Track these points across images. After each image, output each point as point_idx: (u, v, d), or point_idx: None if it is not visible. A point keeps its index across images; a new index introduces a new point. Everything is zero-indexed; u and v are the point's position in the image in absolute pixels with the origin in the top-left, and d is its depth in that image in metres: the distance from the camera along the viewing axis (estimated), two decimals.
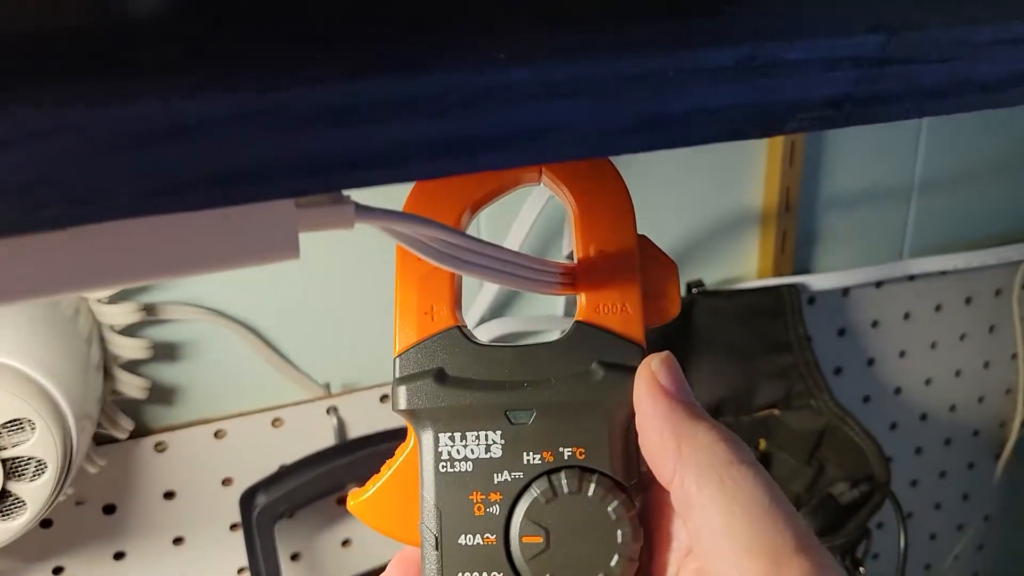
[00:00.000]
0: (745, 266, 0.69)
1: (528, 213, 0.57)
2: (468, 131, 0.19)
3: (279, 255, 0.20)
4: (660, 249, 0.27)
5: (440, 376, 0.25)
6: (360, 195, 0.23)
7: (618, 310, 0.26)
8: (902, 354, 0.76)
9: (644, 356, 0.25)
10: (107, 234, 0.18)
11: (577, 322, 0.26)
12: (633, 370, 0.24)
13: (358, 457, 0.56)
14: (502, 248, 0.29)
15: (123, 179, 0.16)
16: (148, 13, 0.15)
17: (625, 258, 0.26)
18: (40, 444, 0.38)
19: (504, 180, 0.28)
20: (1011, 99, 0.26)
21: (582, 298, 0.26)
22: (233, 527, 0.58)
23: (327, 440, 0.57)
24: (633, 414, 0.24)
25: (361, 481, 0.60)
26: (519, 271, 0.30)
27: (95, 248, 0.18)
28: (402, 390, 0.25)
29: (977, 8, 0.24)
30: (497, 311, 0.62)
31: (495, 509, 0.24)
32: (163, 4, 0.15)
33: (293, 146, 0.17)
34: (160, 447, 0.54)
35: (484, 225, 0.60)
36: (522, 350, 0.25)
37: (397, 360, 0.26)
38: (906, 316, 0.75)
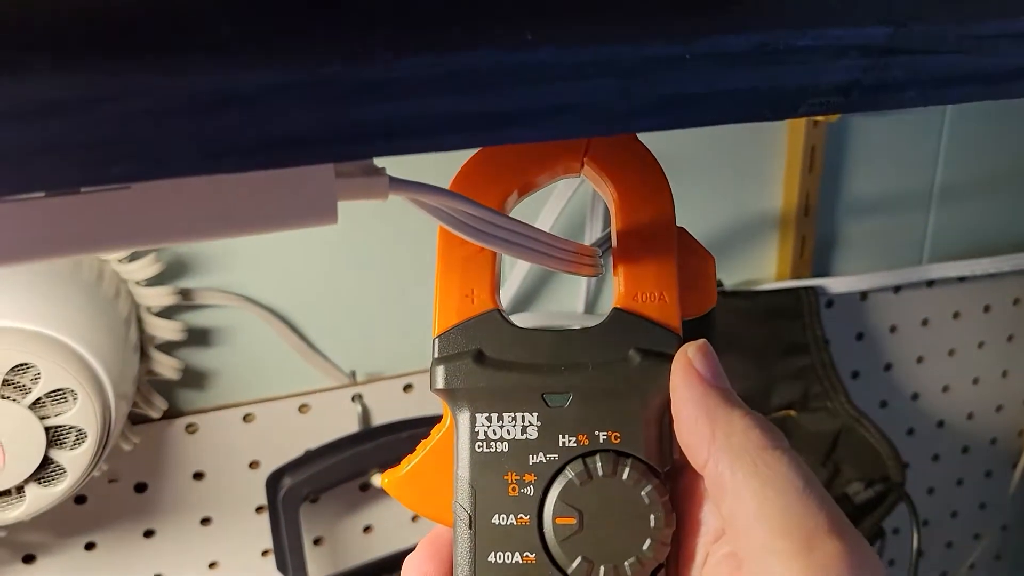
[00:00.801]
0: (764, 269, 0.70)
1: (557, 201, 0.58)
2: (498, 106, 0.20)
3: (319, 219, 0.21)
4: (698, 241, 0.28)
5: (479, 357, 0.26)
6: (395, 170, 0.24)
7: (656, 299, 0.26)
8: (919, 360, 0.76)
9: (681, 344, 0.25)
10: (165, 193, 0.20)
11: (615, 309, 0.26)
12: (670, 358, 0.25)
13: (381, 444, 0.58)
14: (531, 226, 0.30)
15: (183, 141, 0.17)
16: None
17: (664, 248, 0.27)
18: (81, 414, 0.40)
19: (546, 169, 0.28)
20: (1015, 91, 0.27)
21: (620, 286, 0.26)
22: (259, 510, 0.59)
23: (351, 427, 0.59)
24: (668, 401, 0.25)
25: (384, 467, 0.61)
26: (547, 248, 0.31)
27: (154, 205, 0.20)
28: (440, 369, 0.26)
29: (983, 3, 0.25)
30: (519, 306, 0.63)
31: (529, 490, 0.25)
32: None
33: (336, 116, 0.18)
34: (191, 429, 0.56)
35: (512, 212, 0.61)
36: (560, 335, 0.26)
37: (436, 340, 0.27)
38: (924, 322, 0.75)
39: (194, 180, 0.20)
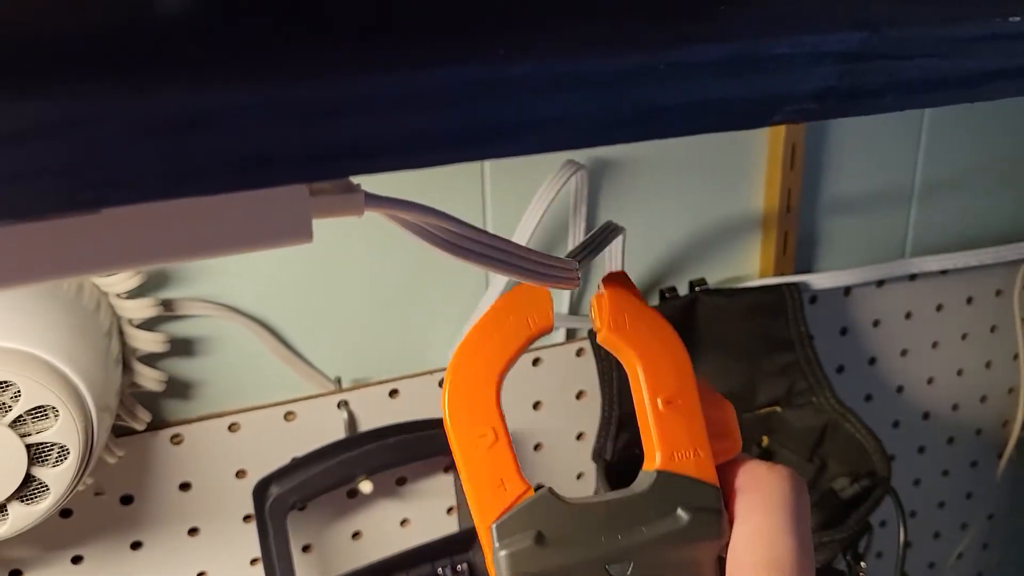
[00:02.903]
0: (748, 266, 0.70)
1: (538, 204, 0.58)
2: (472, 123, 0.20)
3: (294, 239, 0.21)
4: (714, 390, 0.30)
5: (540, 539, 0.27)
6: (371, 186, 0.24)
7: (691, 456, 0.28)
8: (904, 353, 0.77)
9: (720, 496, 0.27)
10: (135, 217, 0.19)
11: (658, 471, 0.28)
12: (714, 511, 0.27)
13: (368, 450, 0.58)
14: (509, 241, 0.30)
15: (152, 164, 0.17)
16: (175, 12, 0.17)
17: (691, 407, 0.28)
18: (63, 431, 0.40)
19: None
20: (992, 94, 0.27)
21: (657, 448, 0.28)
22: (247, 519, 0.59)
23: (338, 434, 0.59)
24: (719, 546, 0.27)
25: (372, 473, 0.61)
26: (525, 263, 0.31)
27: (124, 229, 0.19)
28: (504, 557, 0.27)
29: (958, 6, 0.25)
30: None
31: None
32: (188, 4, 0.17)
33: (307, 135, 0.18)
34: (176, 439, 0.56)
35: (491, 217, 0.61)
36: (612, 503, 0.27)
37: (495, 527, 0.27)
38: (908, 315, 0.76)
39: (164, 203, 0.19)
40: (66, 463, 0.40)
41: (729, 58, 0.22)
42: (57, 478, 0.40)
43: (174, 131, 0.17)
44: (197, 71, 0.17)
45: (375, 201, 0.24)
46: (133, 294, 0.50)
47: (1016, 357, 0.83)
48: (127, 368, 0.51)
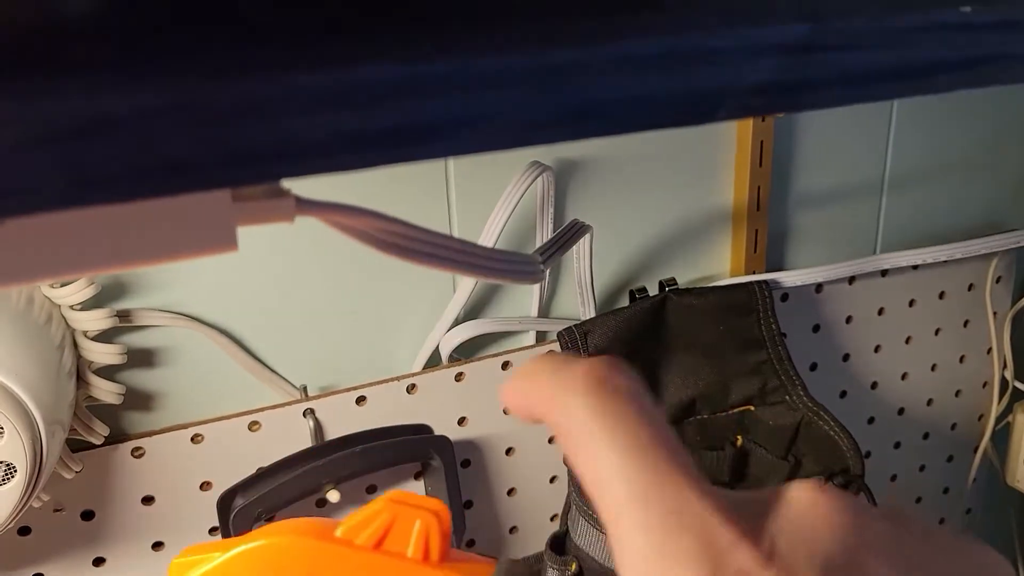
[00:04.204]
0: (719, 265, 0.70)
1: (500, 212, 0.57)
2: (394, 123, 0.19)
3: (216, 247, 0.20)
4: None
5: None
6: (304, 189, 0.23)
7: None
8: (877, 349, 0.77)
9: None
10: (42, 226, 0.19)
11: None
12: None
13: (335, 459, 0.57)
14: (455, 238, 0.29)
15: (51, 172, 0.16)
16: (77, 12, 0.16)
17: None
18: (8, 449, 0.39)
19: None
20: (938, 86, 0.26)
21: None
22: (212, 531, 0.58)
23: (304, 442, 0.58)
24: None
25: (339, 482, 0.60)
26: (476, 260, 0.30)
27: (29, 240, 0.18)
28: None
29: None
30: (472, 313, 0.62)
31: None
32: (92, 3, 0.16)
33: (220, 139, 0.17)
34: (137, 452, 0.55)
35: (457, 221, 0.60)
36: None
37: None
38: (880, 311, 0.75)
39: (75, 212, 0.18)
40: (13, 481, 0.39)
41: (666, 52, 0.21)
42: (4, 497, 0.39)
43: (74, 136, 0.16)
44: (100, 73, 0.16)
45: (307, 206, 0.23)
46: (87, 305, 0.49)
47: (989, 351, 0.83)
48: (82, 381, 0.49)
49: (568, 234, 0.50)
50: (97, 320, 0.49)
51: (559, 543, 0.55)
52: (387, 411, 0.59)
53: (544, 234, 0.61)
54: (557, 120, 0.21)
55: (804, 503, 0.19)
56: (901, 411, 0.80)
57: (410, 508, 0.27)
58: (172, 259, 0.20)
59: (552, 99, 0.21)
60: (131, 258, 0.20)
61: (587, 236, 0.59)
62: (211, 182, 0.18)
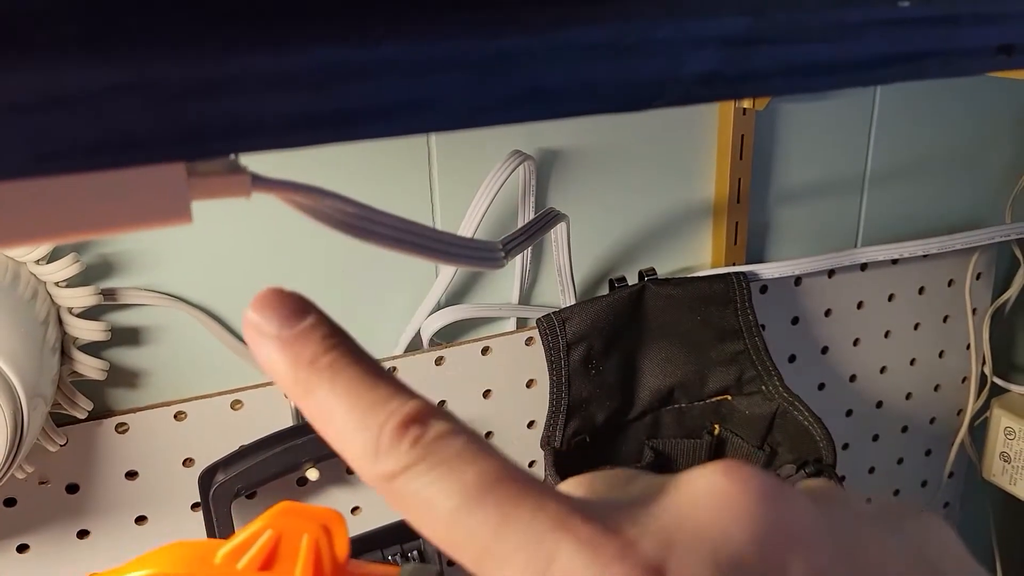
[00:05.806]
0: (699, 257, 0.71)
1: (481, 200, 0.58)
2: (346, 104, 0.20)
3: (170, 219, 0.21)
4: None
5: None
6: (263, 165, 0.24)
7: None
8: (856, 342, 0.77)
9: None
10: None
11: None
12: None
13: (315, 438, 0.58)
14: (413, 222, 0.30)
15: (12, 143, 0.17)
16: None
17: None
18: None
19: None
20: (882, 78, 0.27)
21: None
22: (194, 507, 0.59)
23: (285, 421, 0.59)
24: None
25: (319, 461, 0.61)
26: (434, 244, 0.31)
27: None
28: None
29: None
30: (453, 299, 0.64)
31: None
32: None
33: (173, 115, 0.18)
34: (121, 428, 0.56)
35: (439, 211, 0.61)
36: None
37: None
38: (859, 305, 0.76)
39: (31, 182, 0.19)
40: None
41: (611, 40, 0.22)
42: None
43: (31, 110, 0.17)
44: (54, 49, 0.17)
45: (263, 183, 0.24)
46: (72, 283, 0.50)
47: (969, 347, 0.84)
48: (66, 357, 0.50)
49: (539, 223, 0.51)
50: (82, 297, 0.50)
51: None
52: None
53: (525, 221, 0.62)
54: (503, 104, 0.22)
55: (702, 492, 0.16)
56: (880, 404, 0.81)
57: (297, 521, 0.25)
58: (127, 229, 0.21)
59: (498, 83, 0.22)
60: (87, 227, 0.21)
61: (564, 225, 0.60)
62: (164, 156, 0.19)
